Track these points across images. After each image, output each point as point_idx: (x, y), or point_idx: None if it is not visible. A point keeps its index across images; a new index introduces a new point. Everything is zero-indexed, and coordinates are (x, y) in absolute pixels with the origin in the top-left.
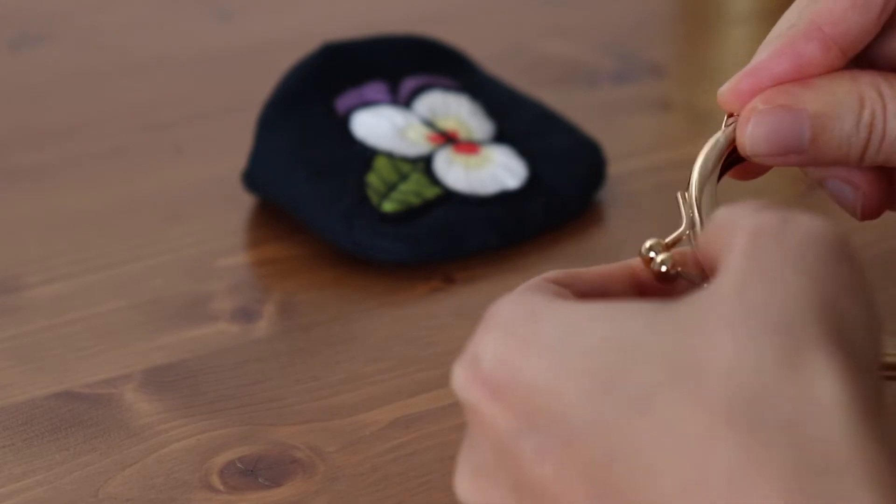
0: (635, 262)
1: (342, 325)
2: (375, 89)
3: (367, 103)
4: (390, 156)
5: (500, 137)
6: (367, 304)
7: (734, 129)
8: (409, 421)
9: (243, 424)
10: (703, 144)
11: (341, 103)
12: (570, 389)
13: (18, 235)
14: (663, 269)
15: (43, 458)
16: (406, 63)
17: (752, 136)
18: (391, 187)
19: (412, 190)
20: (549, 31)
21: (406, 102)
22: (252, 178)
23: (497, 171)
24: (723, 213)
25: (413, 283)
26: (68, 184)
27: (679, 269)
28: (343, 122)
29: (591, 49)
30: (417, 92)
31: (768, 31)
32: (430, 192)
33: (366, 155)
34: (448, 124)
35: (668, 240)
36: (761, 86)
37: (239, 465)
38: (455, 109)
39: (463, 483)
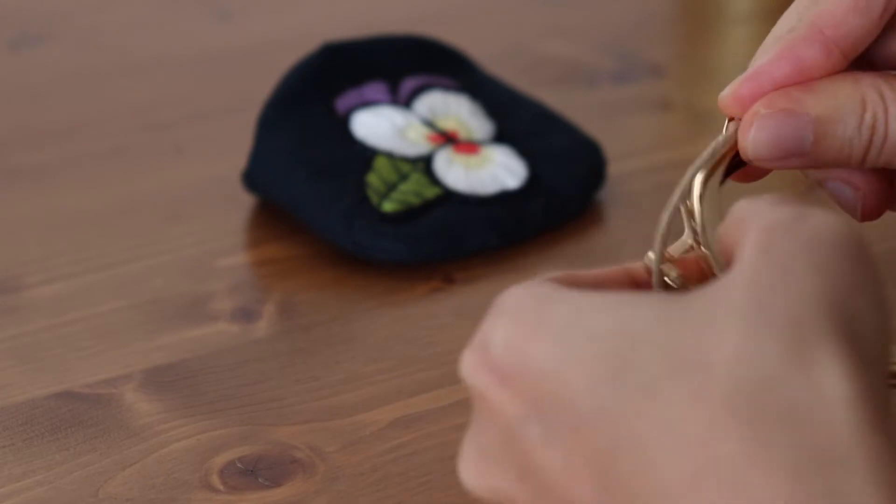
0: (633, 265)
1: (342, 325)
2: (375, 89)
3: (367, 103)
4: (390, 156)
5: (500, 137)
6: (367, 304)
7: (735, 134)
8: (409, 421)
9: (243, 424)
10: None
11: (341, 103)
12: (578, 376)
13: (18, 235)
14: (674, 286)
15: (43, 458)
16: (406, 63)
17: (755, 140)
18: (391, 187)
19: (412, 190)
20: (549, 31)
21: (406, 102)
22: (252, 178)
23: (497, 171)
24: (740, 207)
25: (413, 283)
26: (68, 184)
27: (689, 284)
28: (343, 122)
29: (591, 49)
30: (417, 92)
31: (768, 31)
32: (430, 192)
33: (366, 155)
34: (448, 124)
35: (671, 251)
36: (763, 90)
37: (239, 465)
38: (455, 109)
39: (468, 468)
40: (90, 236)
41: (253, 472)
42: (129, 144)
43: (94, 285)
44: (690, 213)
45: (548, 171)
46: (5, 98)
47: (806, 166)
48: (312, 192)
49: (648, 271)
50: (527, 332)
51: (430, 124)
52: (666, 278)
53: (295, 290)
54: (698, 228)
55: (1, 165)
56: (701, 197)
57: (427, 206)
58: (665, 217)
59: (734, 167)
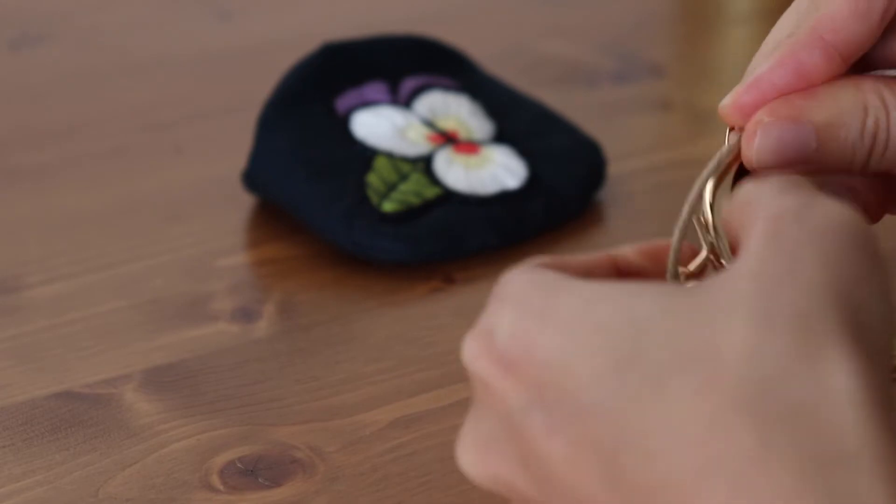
0: (617, 252)
1: (342, 325)
2: (375, 89)
3: (367, 103)
4: (390, 156)
5: (500, 137)
6: (367, 304)
7: (738, 143)
8: (409, 421)
9: (243, 424)
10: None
11: (341, 103)
12: (584, 368)
13: (18, 235)
14: None
15: (43, 458)
16: (406, 63)
17: (759, 149)
18: (391, 187)
19: (412, 190)
20: (549, 31)
21: (406, 102)
22: (252, 178)
23: (497, 171)
24: (746, 190)
25: (413, 283)
26: (68, 184)
27: None
28: (343, 122)
29: (591, 49)
30: (417, 92)
31: (768, 31)
32: (430, 192)
33: (366, 155)
34: (448, 124)
35: (692, 268)
36: (765, 98)
37: (239, 465)
38: (455, 109)
39: (467, 454)
40: (90, 236)
41: (253, 472)
42: (129, 144)
43: (94, 285)
44: (704, 227)
45: (548, 171)
46: (5, 98)
47: (809, 173)
48: (312, 192)
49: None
50: (532, 321)
51: (430, 124)
52: None
53: (295, 290)
54: (714, 241)
55: (1, 165)
56: (713, 208)
57: (427, 206)
58: (677, 233)
59: (739, 176)
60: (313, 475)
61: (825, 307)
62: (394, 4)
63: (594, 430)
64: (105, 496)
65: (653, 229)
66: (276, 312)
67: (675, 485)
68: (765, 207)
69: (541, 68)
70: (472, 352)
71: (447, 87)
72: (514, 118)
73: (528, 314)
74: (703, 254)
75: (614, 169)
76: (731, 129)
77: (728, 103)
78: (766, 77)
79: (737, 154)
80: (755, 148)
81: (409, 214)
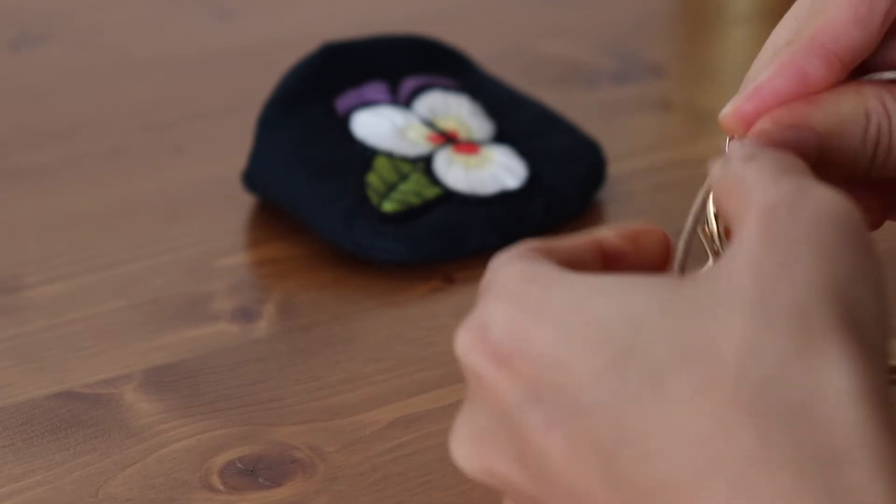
0: (602, 235)
1: (342, 325)
2: (375, 89)
3: (367, 103)
4: (390, 156)
5: (500, 137)
6: (367, 304)
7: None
8: (409, 421)
9: (243, 424)
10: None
11: (341, 103)
12: (581, 365)
13: (18, 235)
14: None
15: (43, 458)
16: (406, 63)
17: None
18: (391, 187)
19: (412, 190)
20: (549, 31)
21: (406, 102)
22: (252, 178)
23: (497, 171)
24: (738, 167)
25: (413, 283)
26: (68, 184)
27: None
28: (343, 122)
29: (591, 49)
30: (417, 92)
31: (768, 31)
32: (430, 192)
33: (366, 155)
34: (448, 124)
35: None
36: (766, 106)
37: (239, 465)
38: (455, 109)
39: (462, 447)
40: (90, 236)
41: (253, 472)
42: (129, 144)
43: (94, 285)
44: (709, 237)
45: (548, 171)
46: (5, 98)
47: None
48: (312, 192)
49: None
50: (526, 316)
51: (430, 124)
52: None
53: (295, 290)
54: (721, 251)
55: (1, 165)
56: (717, 218)
57: (427, 206)
58: (682, 245)
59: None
60: (313, 475)
61: (822, 304)
62: (394, 4)
63: (593, 428)
64: (105, 496)
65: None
66: (276, 312)
67: (674, 485)
68: (759, 194)
69: (541, 68)
70: (466, 344)
71: (447, 87)
72: (514, 118)
73: (521, 308)
74: (710, 263)
75: (614, 169)
76: (732, 137)
77: (729, 112)
78: (768, 85)
79: None
80: None
81: (409, 214)
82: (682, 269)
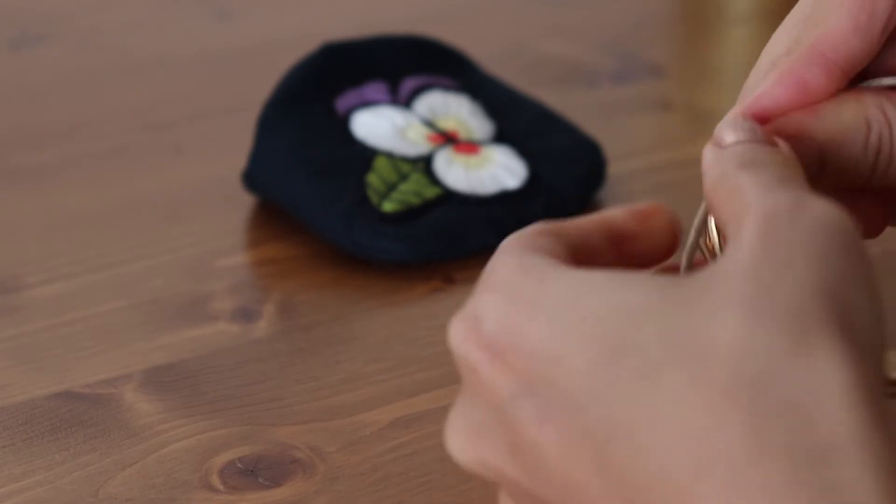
0: (610, 215)
1: (342, 325)
2: (375, 89)
3: (367, 103)
4: (390, 156)
5: (500, 137)
6: (367, 304)
7: None
8: (409, 421)
9: (243, 424)
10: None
11: (341, 103)
12: (574, 360)
13: (18, 235)
14: None
15: (43, 458)
16: (406, 63)
17: None
18: (391, 187)
19: (412, 190)
20: (549, 31)
21: (406, 102)
22: (252, 178)
23: (497, 171)
24: (736, 174)
25: (413, 283)
26: (68, 184)
27: None
28: (343, 122)
29: (591, 49)
30: (417, 92)
31: (768, 31)
32: (430, 192)
33: (366, 155)
34: (448, 124)
35: None
36: (767, 117)
37: (239, 465)
38: (455, 109)
39: (456, 439)
40: (90, 236)
41: (253, 472)
42: (129, 144)
43: (94, 285)
44: (711, 251)
45: (548, 171)
46: (5, 98)
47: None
48: (312, 192)
49: None
50: (520, 309)
51: (430, 124)
52: None
53: (295, 290)
54: None
55: (1, 165)
56: (719, 232)
57: (427, 206)
58: (685, 258)
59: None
60: (313, 475)
61: (817, 304)
62: (394, 4)
63: (586, 422)
64: (105, 496)
65: None
66: (276, 312)
67: (668, 479)
68: (756, 204)
69: (541, 68)
70: (459, 336)
71: (447, 87)
72: (514, 118)
73: (516, 301)
74: None
75: (614, 169)
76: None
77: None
78: (768, 95)
79: None
80: None
81: (409, 214)
82: None
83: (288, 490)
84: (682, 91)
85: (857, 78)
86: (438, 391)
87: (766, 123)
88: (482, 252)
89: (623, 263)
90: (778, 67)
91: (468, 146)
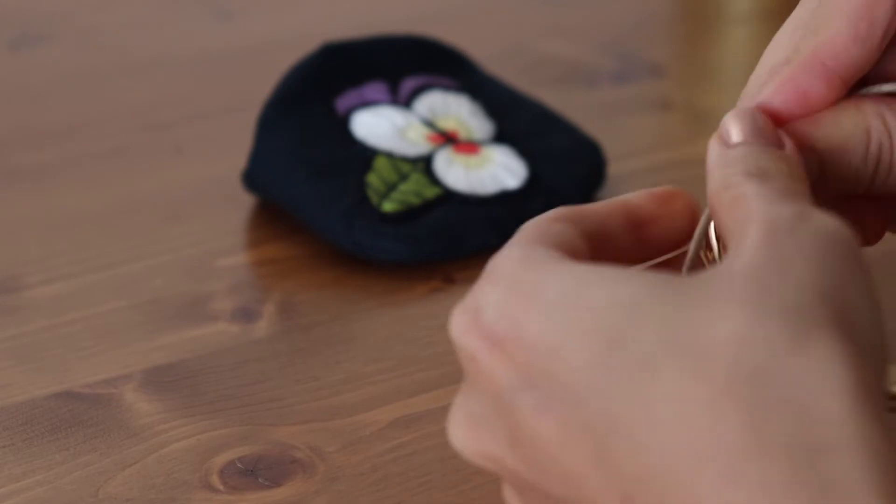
0: (630, 198)
1: (342, 325)
2: (375, 89)
3: (367, 103)
4: (390, 156)
5: (500, 137)
6: (367, 304)
7: None
8: (409, 421)
9: (243, 424)
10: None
11: (341, 103)
12: (573, 352)
13: (18, 235)
14: None
15: (43, 458)
16: (406, 63)
17: None
18: (391, 187)
19: (412, 190)
20: (549, 31)
21: (406, 102)
22: (252, 178)
23: (497, 171)
24: (740, 185)
25: (413, 283)
26: (68, 184)
27: None
28: (343, 122)
29: (591, 49)
30: (417, 92)
31: (768, 31)
32: (430, 192)
33: (366, 155)
34: (448, 124)
35: None
36: None
37: (239, 465)
38: (455, 109)
39: (458, 430)
40: (90, 236)
41: (253, 472)
42: (129, 144)
43: (94, 285)
44: (712, 261)
45: (548, 171)
46: (5, 98)
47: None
48: (312, 192)
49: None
50: (521, 301)
51: (430, 124)
52: None
53: (295, 290)
54: None
55: (1, 165)
56: (720, 243)
57: (427, 206)
58: (686, 265)
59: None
60: (313, 475)
61: (816, 304)
62: (394, 4)
63: (585, 414)
64: (105, 496)
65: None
66: (276, 312)
67: (666, 473)
68: (760, 213)
69: (541, 68)
70: (460, 327)
71: (447, 87)
72: (514, 118)
73: (516, 293)
74: None
75: (614, 169)
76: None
77: None
78: (767, 105)
79: None
80: None
81: (409, 214)
82: None
83: (288, 490)
84: (682, 91)
85: (857, 84)
86: (438, 391)
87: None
88: (482, 252)
89: (640, 248)
90: (777, 76)
91: (468, 146)
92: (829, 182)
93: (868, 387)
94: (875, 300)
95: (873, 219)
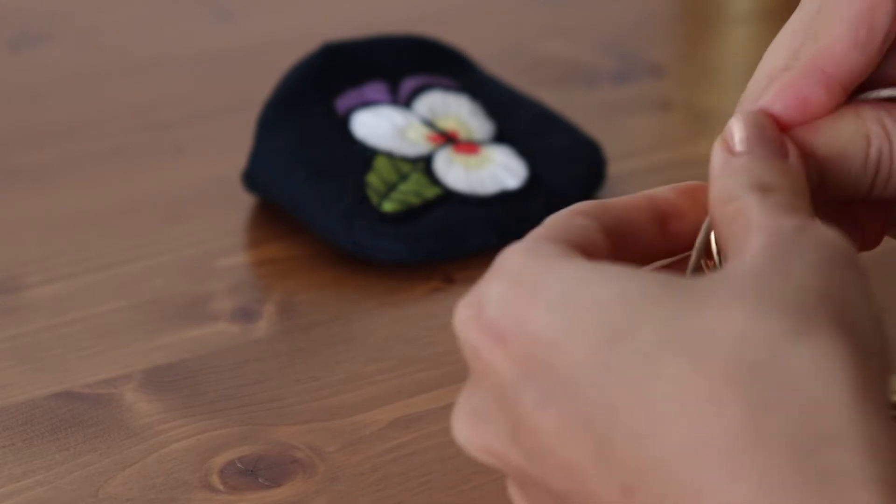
0: (656, 192)
1: (342, 325)
2: (375, 89)
3: (367, 103)
4: (390, 156)
5: (500, 137)
6: (367, 304)
7: None
8: (409, 421)
9: (243, 424)
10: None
11: (341, 103)
12: (574, 345)
13: (18, 235)
14: None
15: (43, 458)
16: (406, 63)
17: None
18: (391, 187)
19: (412, 190)
20: (549, 31)
21: (406, 102)
22: (252, 178)
23: (497, 171)
24: (743, 197)
25: (413, 283)
26: (68, 184)
27: None
28: (343, 122)
29: (591, 49)
30: (417, 92)
31: (768, 31)
32: (430, 192)
33: (366, 155)
34: (448, 124)
35: None
36: None
37: (239, 465)
38: (455, 109)
39: (461, 425)
40: (90, 236)
41: (253, 472)
42: (129, 144)
43: (94, 285)
44: (713, 269)
45: (548, 171)
46: (5, 98)
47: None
48: (312, 192)
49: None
50: (524, 295)
51: (430, 124)
52: None
53: (295, 290)
54: None
55: (1, 165)
56: (720, 254)
57: (427, 206)
58: (688, 275)
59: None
60: (313, 475)
61: (816, 304)
62: (394, 4)
63: (585, 407)
64: (105, 496)
65: None
66: (276, 312)
67: (666, 464)
68: (761, 224)
69: (541, 68)
70: (463, 321)
71: (447, 87)
72: (514, 118)
73: (519, 287)
74: None
75: (614, 169)
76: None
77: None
78: (768, 112)
79: None
80: None
81: (409, 214)
82: None
83: (288, 490)
84: (682, 91)
85: (856, 89)
86: (438, 391)
87: None
88: (482, 252)
89: (666, 242)
90: (777, 82)
91: (468, 146)
92: (829, 188)
93: (869, 383)
94: (877, 309)
95: (872, 223)
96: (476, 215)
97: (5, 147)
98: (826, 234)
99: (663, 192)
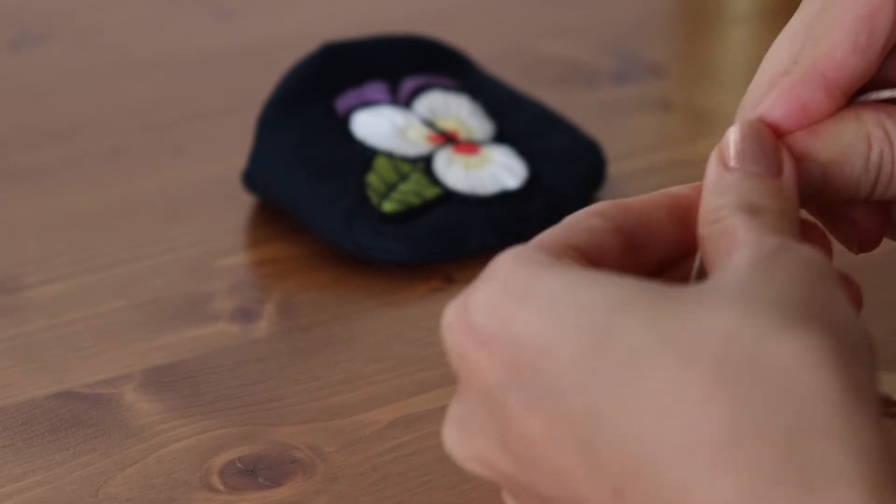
0: (676, 189)
1: (342, 325)
2: (375, 89)
3: (367, 103)
4: (390, 156)
5: (500, 137)
6: (367, 304)
7: None
8: (409, 421)
9: (243, 424)
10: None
11: (341, 103)
12: (561, 349)
13: (18, 235)
14: None
15: (43, 458)
16: (406, 63)
17: None
18: (391, 187)
19: (412, 190)
20: (549, 31)
21: (406, 102)
22: (252, 178)
23: (497, 171)
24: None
25: (413, 283)
26: (68, 184)
27: None
28: (343, 122)
29: (591, 49)
30: (417, 92)
31: (768, 31)
32: (430, 192)
33: (366, 155)
34: (448, 124)
35: None
36: None
37: (239, 465)
38: (455, 109)
39: (451, 434)
40: (90, 236)
41: (253, 472)
42: (129, 144)
43: (94, 285)
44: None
45: (548, 171)
46: (5, 98)
47: (812, 206)
48: (312, 192)
49: None
50: (510, 301)
51: (430, 124)
52: None
53: (295, 290)
54: None
55: (1, 165)
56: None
57: (427, 206)
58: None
59: None
60: (313, 475)
61: (801, 306)
62: (394, 4)
63: (572, 410)
64: (105, 496)
65: None
66: (276, 312)
67: (655, 463)
68: (746, 241)
69: (541, 68)
70: (450, 325)
71: (447, 87)
72: (514, 118)
73: (505, 292)
74: None
75: (614, 169)
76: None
77: None
78: (767, 117)
79: None
80: None
81: (409, 214)
82: None
83: (288, 490)
84: (682, 91)
85: (856, 91)
86: (438, 391)
87: None
88: (482, 252)
89: (687, 241)
90: (777, 87)
91: (468, 146)
92: (831, 191)
93: (855, 378)
94: (856, 317)
95: (871, 225)
96: (476, 215)
97: (5, 147)
98: (807, 252)
99: (683, 189)
